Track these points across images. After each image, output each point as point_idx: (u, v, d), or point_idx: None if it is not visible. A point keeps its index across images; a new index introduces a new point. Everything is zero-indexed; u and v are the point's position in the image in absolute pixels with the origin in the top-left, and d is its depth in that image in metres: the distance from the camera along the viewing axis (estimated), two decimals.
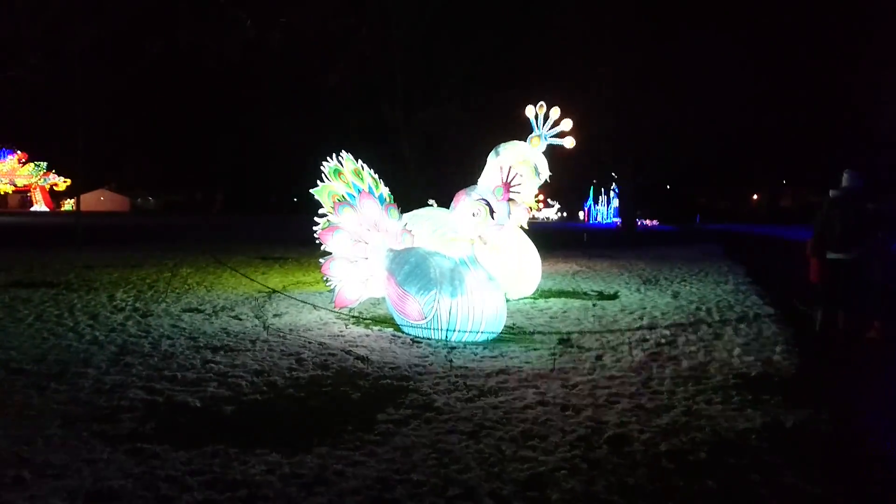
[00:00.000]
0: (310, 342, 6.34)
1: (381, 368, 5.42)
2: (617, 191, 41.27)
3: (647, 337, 6.81)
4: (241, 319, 7.54)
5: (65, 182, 79.32)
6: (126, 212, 78.00)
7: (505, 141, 9.67)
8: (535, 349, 6.20)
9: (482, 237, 6.37)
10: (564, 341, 6.53)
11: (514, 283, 9.18)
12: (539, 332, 6.95)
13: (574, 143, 9.27)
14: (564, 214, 74.09)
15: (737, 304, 8.97)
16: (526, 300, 9.23)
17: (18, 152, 72.54)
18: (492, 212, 6.27)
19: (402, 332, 6.79)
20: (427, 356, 5.85)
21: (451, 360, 5.62)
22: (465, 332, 6.31)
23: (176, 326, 7.03)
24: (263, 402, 4.56)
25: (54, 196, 78.58)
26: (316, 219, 7.77)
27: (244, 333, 6.72)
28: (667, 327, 7.30)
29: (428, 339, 6.45)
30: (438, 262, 6.62)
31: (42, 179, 74.11)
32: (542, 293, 9.91)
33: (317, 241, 7.35)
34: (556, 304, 8.94)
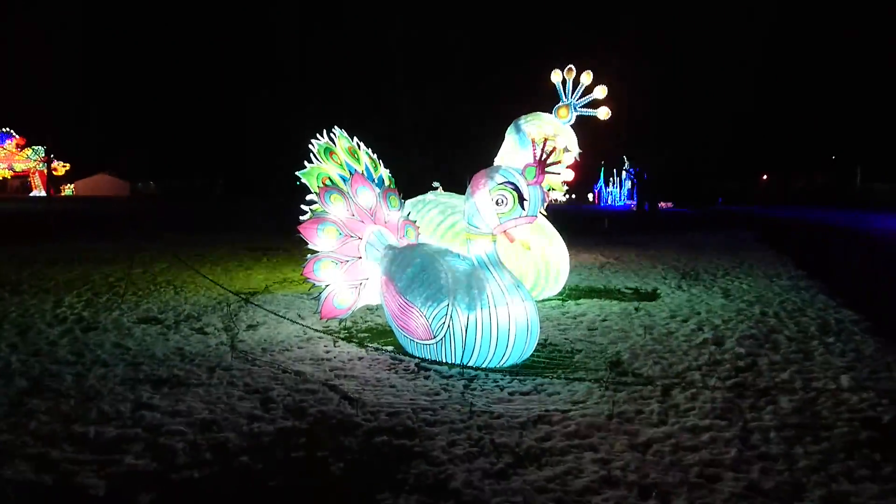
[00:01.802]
0: (285, 370, 4.87)
1: (376, 415, 3.96)
2: (632, 172, 39.55)
3: (718, 356, 5.33)
4: (205, 334, 6.08)
5: (64, 167, 78.02)
6: (126, 197, 76.55)
7: (524, 114, 8.19)
8: (579, 378, 4.72)
9: (508, 232, 4.87)
10: (615, 366, 5.05)
11: (540, 281, 7.70)
12: (579, 352, 5.46)
13: (610, 114, 7.75)
14: (573, 196, 72.09)
15: (807, 307, 7.46)
16: (553, 302, 7.75)
17: (16, 136, 71.31)
18: (521, 199, 4.76)
19: (405, 353, 5.33)
20: (438, 393, 4.38)
21: (471, 403, 4.14)
22: (487, 356, 4.84)
23: (120, 346, 5.57)
24: (199, 483, 3.10)
25: (54, 181, 77.23)
26: (304, 206, 6.31)
27: (203, 356, 5.26)
28: (737, 341, 5.80)
29: (438, 363, 4.99)
30: (451, 265, 5.14)
31: (40, 164, 72.76)
32: (571, 292, 8.43)
33: (298, 237, 5.85)
34: (590, 307, 7.45)
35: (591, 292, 8.63)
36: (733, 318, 6.80)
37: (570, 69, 7.87)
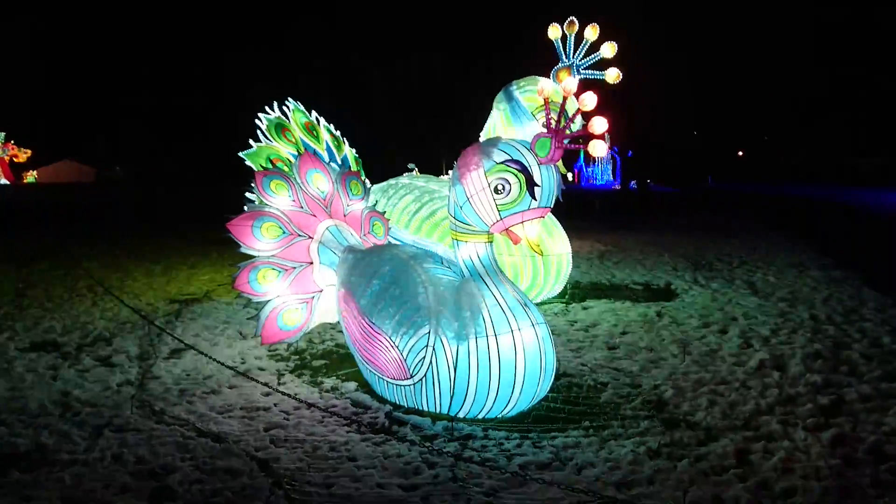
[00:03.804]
0: (201, 432, 3.45)
1: None
2: (616, 150, 38.29)
3: (788, 388, 4.01)
4: (111, 366, 4.63)
5: (25, 153, 75.05)
6: (90, 183, 73.69)
7: (516, 79, 6.81)
8: (613, 435, 3.37)
9: (511, 231, 3.48)
10: (659, 409, 3.71)
11: (538, 279, 6.38)
12: (604, 386, 4.11)
13: (620, 77, 6.38)
14: None
15: (860, 307, 6.20)
16: (556, 306, 6.41)
17: None
18: (530, 184, 3.37)
19: (372, 394, 3.95)
20: (417, 470, 3.00)
21: (468, 498, 2.76)
22: (486, 404, 3.48)
23: None
24: None
25: (15, 168, 74.26)
26: (248, 195, 4.84)
27: (94, 406, 3.82)
28: (803, 363, 4.49)
29: (417, 412, 3.62)
30: (432, 275, 3.75)
31: (1, 150, 69.87)
32: (574, 292, 7.10)
33: (228, 237, 4.41)
34: (601, 314, 6.11)
35: (597, 290, 7.30)
36: (781, 327, 5.50)
37: (572, 22, 6.50)
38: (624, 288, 7.49)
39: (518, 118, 6.42)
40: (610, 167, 42.14)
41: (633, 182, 33.51)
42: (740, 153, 75.95)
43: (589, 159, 44.28)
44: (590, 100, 3.19)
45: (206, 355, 4.44)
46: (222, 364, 4.32)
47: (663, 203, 24.32)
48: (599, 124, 3.16)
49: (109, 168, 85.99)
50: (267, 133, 6.41)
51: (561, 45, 6.62)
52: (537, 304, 6.46)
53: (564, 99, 3.35)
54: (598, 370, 4.40)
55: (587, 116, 3.21)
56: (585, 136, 3.25)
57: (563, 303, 6.59)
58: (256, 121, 6.37)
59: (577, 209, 19.02)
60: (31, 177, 77.50)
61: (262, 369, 4.52)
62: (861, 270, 8.16)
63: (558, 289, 6.71)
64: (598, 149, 3.20)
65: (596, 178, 43.25)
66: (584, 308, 6.34)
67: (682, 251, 10.32)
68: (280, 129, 6.61)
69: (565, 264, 6.63)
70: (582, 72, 6.52)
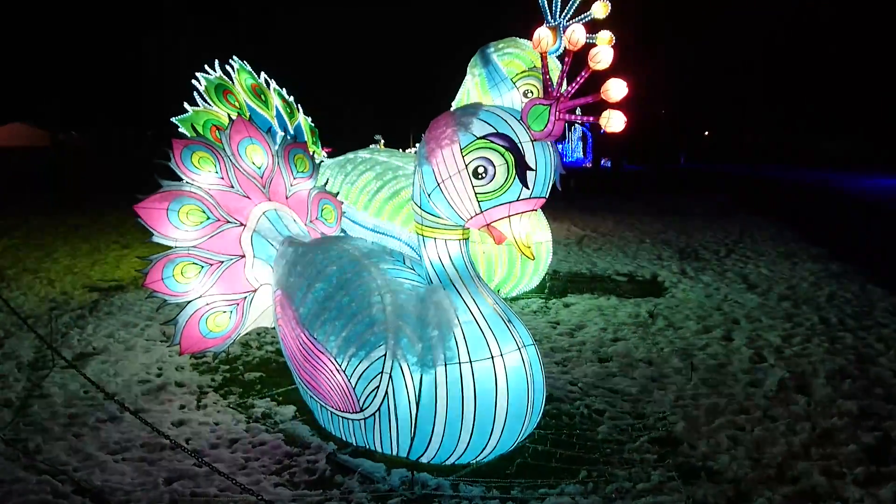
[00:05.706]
0: (79, 485, 2.62)
1: None
2: (588, 126, 37.53)
3: (821, 420, 3.32)
4: None
5: None
6: (43, 147, 70.63)
7: (493, 42, 5.99)
8: (618, 492, 2.63)
9: (494, 227, 2.68)
10: (668, 450, 2.98)
11: (515, 271, 5.64)
12: (601, 415, 3.37)
13: (614, 40, 5.57)
14: None
15: (870, 309, 5.56)
16: (534, 303, 5.66)
17: None
18: (520, 166, 2.56)
19: (313, 425, 3.16)
20: None
21: None
22: (455, 448, 2.71)
23: None
24: None
25: None
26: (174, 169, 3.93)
27: None
28: (829, 384, 3.80)
29: (368, 453, 2.83)
30: (391, 279, 2.94)
31: None
32: (553, 283, 6.36)
33: (138, 223, 3.55)
34: (586, 313, 5.37)
35: (579, 282, 6.57)
36: (792, 333, 4.82)
37: None
38: (607, 280, 6.78)
39: (496, 85, 5.63)
40: (581, 144, 41.44)
41: (605, 160, 32.88)
42: (706, 133, 76.04)
43: (562, 134, 43.47)
44: (605, 55, 2.39)
45: (92, 383, 3.57)
46: (110, 398, 3.47)
47: (637, 183, 23.72)
48: (617, 88, 2.36)
49: (65, 132, 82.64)
50: (206, 95, 5.51)
51: (546, 2, 5.80)
52: (513, 299, 5.75)
53: (569, 52, 2.54)
54: (590, 392, 3.65)
55: (602, 77, 2.41)
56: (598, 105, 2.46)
57: (541, 297, 5.85)
58: (194, 81, 5.47)
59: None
60: None
61: (180, 385, 3.69)
62: (857, 262, 7.56)
63: (536, 280, 5.98)
64: (616, 122, 2.41)
65: (566, 155, 42.54)
66: (566, 305, 5.59)
67: (664, 237, 9.65)
68: (222, 91, 5.70)
69: (545, 254, 5.90)
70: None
